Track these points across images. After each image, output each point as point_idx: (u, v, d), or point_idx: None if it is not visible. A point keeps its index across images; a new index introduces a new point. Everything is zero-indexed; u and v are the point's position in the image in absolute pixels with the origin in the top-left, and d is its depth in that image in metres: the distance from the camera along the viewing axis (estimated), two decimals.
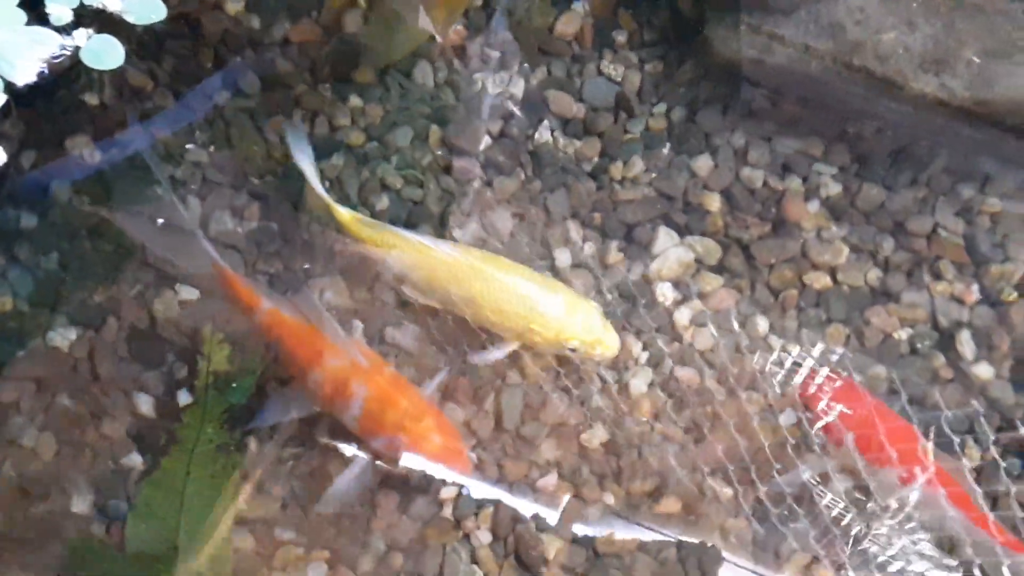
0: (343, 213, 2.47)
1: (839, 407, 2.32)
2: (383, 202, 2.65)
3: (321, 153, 2.70)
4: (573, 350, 2.33)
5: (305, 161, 2.50)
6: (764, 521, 2.30)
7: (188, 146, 2.70)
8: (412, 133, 2.76)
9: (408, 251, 2.41)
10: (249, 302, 2.32)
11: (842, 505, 2.28)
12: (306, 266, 2.58)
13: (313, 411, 2.32)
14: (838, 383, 2.38)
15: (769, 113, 2.76)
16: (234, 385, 2.35)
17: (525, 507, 2.33)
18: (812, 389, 2.39)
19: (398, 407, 2.23)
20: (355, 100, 2.79)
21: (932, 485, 2.23)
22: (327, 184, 2.66)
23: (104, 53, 2.31)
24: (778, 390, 2.44)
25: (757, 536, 2.30)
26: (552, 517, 2.31)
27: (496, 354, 2.40)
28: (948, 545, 2.27)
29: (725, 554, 2.28)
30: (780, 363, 2.47)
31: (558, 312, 2.31)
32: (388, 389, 2.26)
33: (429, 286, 2.40)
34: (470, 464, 2.29)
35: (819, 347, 2.49)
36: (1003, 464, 2.24)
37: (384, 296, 2.55)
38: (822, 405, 2.34)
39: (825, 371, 2.42)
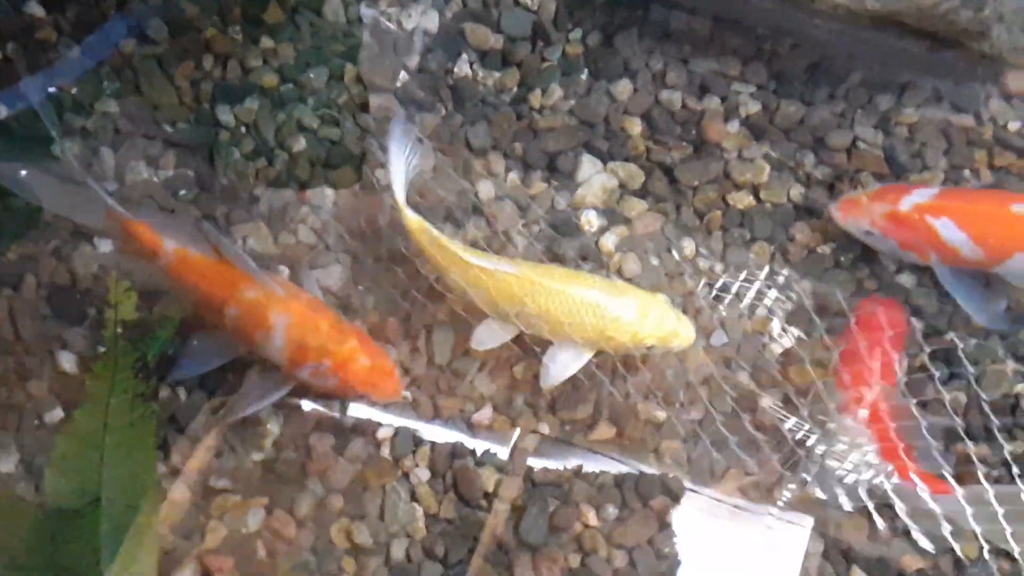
0: (412, 219, 2.33)
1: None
2: (300, 143, 2.62)
3: (235, 97, 2.66)
4: (650, 347, 2.26)
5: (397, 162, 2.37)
6: (698, 442, 2.32)
7: (97, 96, 2.65)
8: (327, 72, 2.72)
9: (474, 271, 2.29)
10: (151, 245, 2.27)
11: (807, 427, 2.30)
12: (226, 212, 2.54)
13: (237, 353, 2.28)
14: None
15: (685, 34, 2.74)
16: (151, 335, 2.31)
17: (462, 442, 2.32)
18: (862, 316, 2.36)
19: (320, 331, 2.20)
20: (267, 41, 2.74)
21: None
22: (246, 128, 2.63)
23: None
24: (713, 312, 2.45)
25: (692, 456, 2.32)
26: (491, 449, 2.31)
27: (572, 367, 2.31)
28: None
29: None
30: (714, 286, 2.49)
31: (631, 315, 2.23)
32: (308, 314, 2.22)
33: (499, 306, 2.28)
34: (400, 383, 2.27)
35: (766, 269, 2.50)
36: (934, 372, 2.28)
37: (308, 239, 2.53)
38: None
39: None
